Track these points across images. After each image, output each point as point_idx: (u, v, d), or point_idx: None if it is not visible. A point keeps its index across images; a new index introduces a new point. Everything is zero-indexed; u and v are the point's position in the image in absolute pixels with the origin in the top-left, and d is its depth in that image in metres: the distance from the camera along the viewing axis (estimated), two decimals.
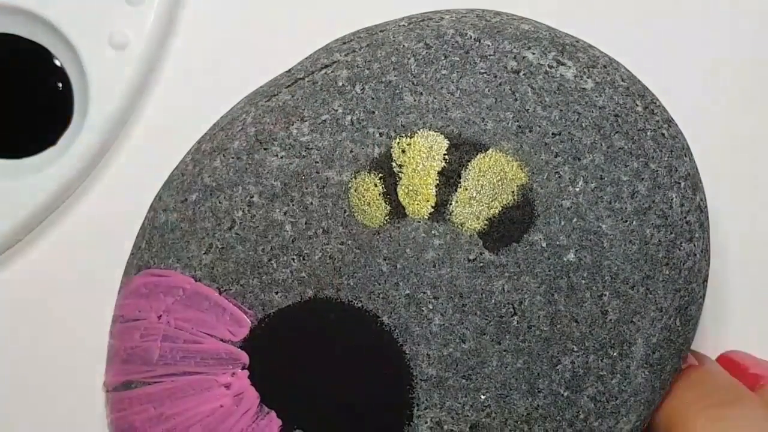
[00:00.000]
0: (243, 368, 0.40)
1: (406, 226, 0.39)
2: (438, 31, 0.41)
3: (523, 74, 0.40)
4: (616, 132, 0.40)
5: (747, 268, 0.46)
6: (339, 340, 0.39)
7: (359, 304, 0.39)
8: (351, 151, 0.40)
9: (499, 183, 0.39)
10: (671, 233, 0.40)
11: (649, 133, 0.40)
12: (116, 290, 0.42)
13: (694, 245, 0.40)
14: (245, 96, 0.43)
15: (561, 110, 0.40)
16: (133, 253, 0.42)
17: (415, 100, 0.40)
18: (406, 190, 0.39)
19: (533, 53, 0.41)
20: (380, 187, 0.40)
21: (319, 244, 0.40)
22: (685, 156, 0.41)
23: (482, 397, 0.39)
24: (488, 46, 0.41)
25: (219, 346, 0.40)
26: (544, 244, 0.39)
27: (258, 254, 0.40)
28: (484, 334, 0.39)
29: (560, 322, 0.39)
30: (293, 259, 0.40)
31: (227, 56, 0.47)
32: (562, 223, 0.39)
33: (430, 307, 0.39)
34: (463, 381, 0.39)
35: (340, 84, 0.41)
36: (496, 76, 0.40)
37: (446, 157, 0.40)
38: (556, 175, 0.39)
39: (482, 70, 0.40)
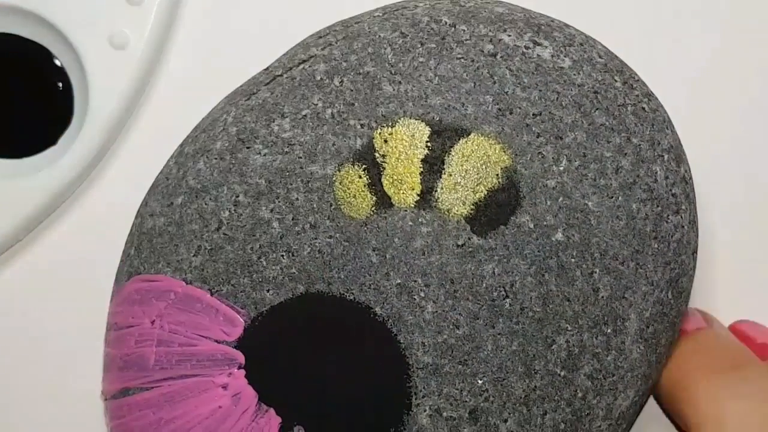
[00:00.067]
0: (239, 368, 0.40)
1: (393, 216, 0.39)
2: (413, 20, 0.41)
3: (501, 57, 0.40)
4: (597, 109, 0.40)
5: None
6: (333, 333, 0.39)
7: (351, 297, 0.39)
8: (333, 145, 0.40)
9: (483, 167, 0.39)
10: (657, 206, 0.40)
11: (629, 108, 0.40)
12: None
13: (681, 217, 0.40)
14: (224, 97, 0.43)
15: (540, 90, 0.40)
16: (123, 260, 0.42)
17: (394, 90, 0.40)
18: (391, 180, 0.40)
19: (509, 35, 0.41)
20: (365, 179, 0.40)
21: (307, 239, 0.40)
22: (667, 129, 0.41)
23: (479, 381, 0.39)
24: (464, 31, 0.41)
25: (214, 347, 0.40)
26: (531, 225, 0.39)
27: (247, 253, 0.40)
28: (478, 319, 0.39)
29: (552, 302, 0.39)
30: (282, 256, 0.40)
31: (227, 56, 0.47)
32: (548, 203, 0.39)
33: (422, 295, 0.39)
34: (460, 367, 0.39)
35: (319, 78, 0.41)
36: (473, 61, 0.40)
37: (428, 144, 0.40)
38: (540, 156, 0.39)
39: (459, 56, 0.40)
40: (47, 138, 0.46)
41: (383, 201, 0.39)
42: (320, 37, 0.42)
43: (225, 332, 0.40)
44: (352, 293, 0.39)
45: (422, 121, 0.40)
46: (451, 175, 0.39)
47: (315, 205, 0.40)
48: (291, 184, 0.40)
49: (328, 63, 0.41)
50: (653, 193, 0.40)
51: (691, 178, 0.41)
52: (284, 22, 0.47)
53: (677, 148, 0.41)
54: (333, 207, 0.40)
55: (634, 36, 0.46)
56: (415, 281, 0.39)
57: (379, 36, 0.41)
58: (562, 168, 0.39)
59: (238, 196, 0.40)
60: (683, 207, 0.40)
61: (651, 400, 0.44)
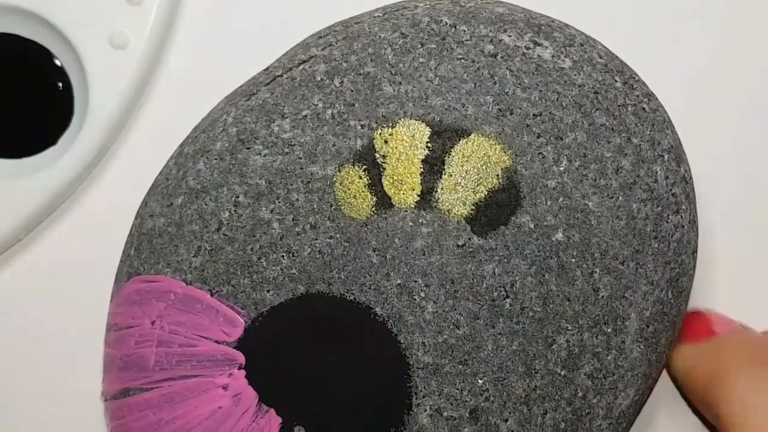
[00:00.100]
0: (239, 368, 0.40)
1: (393, 216, 0.39)
2: (413, 20, 0.41)
3: (501, 57, 0.40)
4: (597, 109, 0.40)
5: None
6: (333, 334, 0.39)
7: (351, 297, 0.39)
8: (333, 145, 0.40)
9: (484, 167, 0.39)
10: (658, 206, 0.40)
11: (629, 108, 0.40)
12: None
13: (682, 217, 0.40)
14: (224, 97, 0.43)
15: (540, 91, 0.40)
16: (123, 261, 0.42)
17: (394, 90, 0.40)
18: (391, 180, 0.40)
19: (509, 36, 0.41)
20: (365, 179, 0.40)
21: (307, 239, 0.40)
22: (667, 129, 0.41)
23: (480, 381, 0.39)
24: (464, 31, 0.41)
25: (214, 348, 0.40)
26: (531, 226, 0.39)
27: (247, 254, 0.40)
28: (478, 319, 0.39)
29: (553, 302, 0.39)
30: (283, 257, 0.40)
31: (227, 56, 0.47)
32: (549, 203, 0.39)
33: (422, 295, 0.39)
34: (460, 367, 0.39)
35: (319, 78, 0.41)
36: (473, 61, 0.40)
37: (429, 144, 0.40)
38: (540, 156, 0.39)
39: (459, 56, 0.40)
40: (47, 138, 0.46)
41: (383, 201, 0.39)
42: (320, 38, 0.42)
43: (225, 333, 0.40)
44: (353, 293, 0.39)
45: (422, 121, 0.40)
46: (451, 175, 0.39)
47: (315, 206, 0.40)
48: (291, 185, 0.40)
49: (329, 63, 0.41)
50: (653, 193, 0.40)
51: (691, 178, 0.41)
52: (284, 22, 0.47)
53: (677, 148, 0.41)
54: (333, 207, 0.40)
55: (634, 36, 0.46)
56: (416, 281, 0.39)
57: (380, 36, 0.41)
58: (562, 168, 0.39)
59: (238, 197, 0.40)
60: (683, 207, 0.40)
61: (651, 399, 0.44)
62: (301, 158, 0.40)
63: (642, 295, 0.40)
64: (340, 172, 0.40)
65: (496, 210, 0.39)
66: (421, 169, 0.39)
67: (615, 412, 0.40)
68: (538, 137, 0.40)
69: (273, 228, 0.40)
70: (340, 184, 0.40)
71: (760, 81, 0.46)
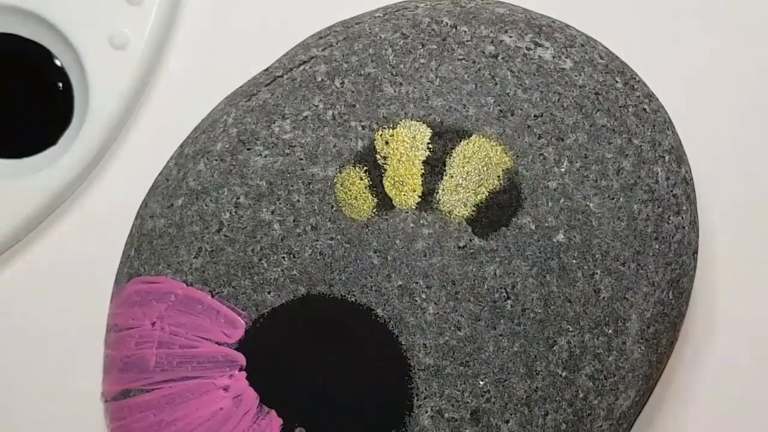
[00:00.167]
0: (240, 369, 0.40)
1: (395, 218, 0.39)
2: (414, 20, 0.41)
3: (502, 58, 0.40)
4: (598, 110, 0.40)
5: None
6: (334, 335, 0.39)
7: (352, 299, 0.39)
8: (334, 146, 0.40)
9: (485, 168, 0.39)
10: (659, 207, 0.40)
11: (630, 109, 0.40)
12: None
13: (682, 218, 0.40)
14: (224, 97, 0.43)
15: (541, 92, 0.40)
16: (123, 262, 0.42)
17: (395, 91, 0.40)
18: (392, 182, 0.39)
19: (510, 36, 0.41)
20: (366, 180, 0.40)
21: (308, 241, 0.40)
22: (668, 129, 0.41)
23: (481, 383, 0.39)
24: (465, 32, 0.41)
25: (215, 349, 0.40)
26: (532, 227, 0.39)
27: (248, 255, 0.40)
28: (479, 320, 0.39)
29: (554, 303, 0.39)
30: (284, 258, 0.40)
31: (227, 56, 0.47)
32: (550, 204, 0.39)
33: (424, 296, 0.39)
34: (461, 368, 0.39)
35: (319, 79, 0.41)
36: (474, 62, 0.40)
37: (430, 145, 0.40)
38: (541, 157, 0.39)
39: (460, 57, 0.40)
40: (47, 138, 0.46)
41: (384, 203, 0.39)
42: (321, 38, 0.42)
43: (226, 334, 0.40)
44: (354, 295, 0.39)
45: (423, 122, 0.40)
46: (452, 176, 0.39)
47: (316, 207, 0.40)
48: (292, 186, 0.40)
49: (329, 64, 0.41)
50: (654, 194, 0.40)
51: (691, 178, 0.41)
52: (284, 22, 0.46)
53: (678, 149, 0.41)
54: (334, 209, 0.40)
55: (634, 36, 0.46)
56: (417, 283, 0.39)
57: (380, 37, 0.41)
58: (563, 169, 0.39)
59: (238, 198, 0.40)
60: (684, 208, 0.40)
61: (652, 400, 0.44)
62: (301, 159, 0.40)
63: (643, 296, 0.40)
64: (341, 173, 0.40)
65: (497, 211, 0.39)
66: (422, 171, 0.39)
67: (616, 413, 0.40)
68: (539, 138, 0.40)
69: (274, 229, 0.40)
70: (341, 185, 0.40)
71: (760, 81, 0.46)
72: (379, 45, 0.41)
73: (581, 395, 0.39)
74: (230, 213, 0.40)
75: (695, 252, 0.41)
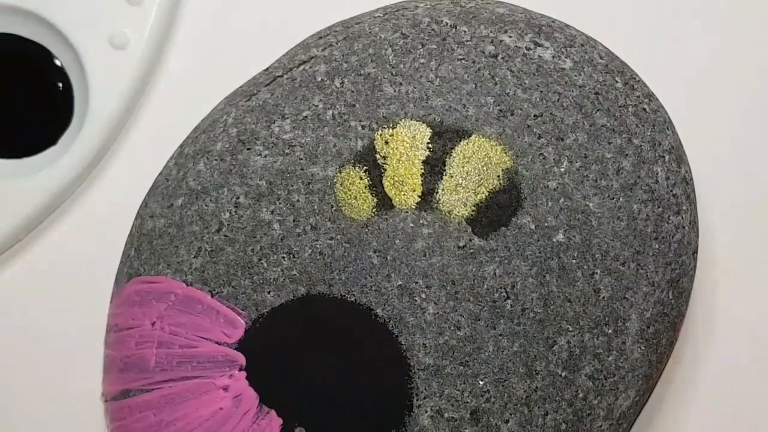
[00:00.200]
0: (240, 369, 0.40)
1: (394, 217, 0.39)
2: (414, 20, 0.41)
3: (502, 58, 0.40)
4: (598, 110, 0.40)
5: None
6: (334, 335, 0.39)
7: (352, 298, 0.39)
8: (334, 146, 0.40)
9: (484, 168, 0.39)
10: (658, 207, 0.40)
11: (630, 109, 0.40)
12: None
13: (682, 218, 0.40)
14: (224, 97, 0.43)
15: (541, 91, 0.40)
16: (123, 262, 0.42)
17: (395, 91, 0.40)
18: (392, 181, 0.40)
19: (510, 36, 0.41)
20: (366, 180, 0.40)
21: (308, 240, 0.40)
22: (668, 129, 0.41)
23: (481, 382, 0.39)
24: (464, 32, 0.41)
25: (215, 349, 0.40)
26: (532, 227, 0.39)
27: (248, 255, 0.40)
28: (479, 320, 0.39)
29: (554, 303, 0.39)
30: (283, 258, 0.40)
31: (227, 56, 0.47)
32: (550, 204, 0.39)
33: (423, 296, 0.39)
34: (461, 368, 0.39)
35: (319, 79, 0.41)
36: (474, 62, 0.40)
37: (430, 145, 0.40)
38: (541, 157, 0.39)
39: (460, 57, 0.40)
40: (47, 138, 0.46)
41: (384, 202, 0.39)
42: (320, 38, 0.42)
43: (226, 334, 0.40)
44: (353, 295, 0.39)
45: (423, 122, 0.40)
46: (452, 176, 0.39)
47: (316, 207, 0.40)
48: (292, 186, 0.40)
49: (329, 64, 0.41)
50: (654, 194, 0.40)
51: (691, 178, 0.41)
52: (284, 22, 0.46)
53: (678, 149, 0.41)
54: (334, 209, 0.40)
55: (634, 36, 0.46)
56: (417, 283, 0.39)
57: (380, 37, 0.41)
58: (563, 169, 0.39)
59: (238, 198, 0.40)
60: (684, 208, 0.40)
61: (652, 400, 0.44)
62: (301, 159, 0.40)
63: (643, 296, 0.40)
64: (340, 173, 0.40)
65: (497, 211, 0.39)
66: (422, 170, 0.39)
67: (616, 413, 0.40)
68: (539, 138, 0.40)
69: (273, 229, 0.40)
70: (341, 185, 0.40)
71: (760, 81, 0.46)
72: (379, 45, 0.41)
73: (581, 395, 0.39)
74: (230, 213, 0.40)
75: (695, 252, 0.41)
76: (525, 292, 0.39)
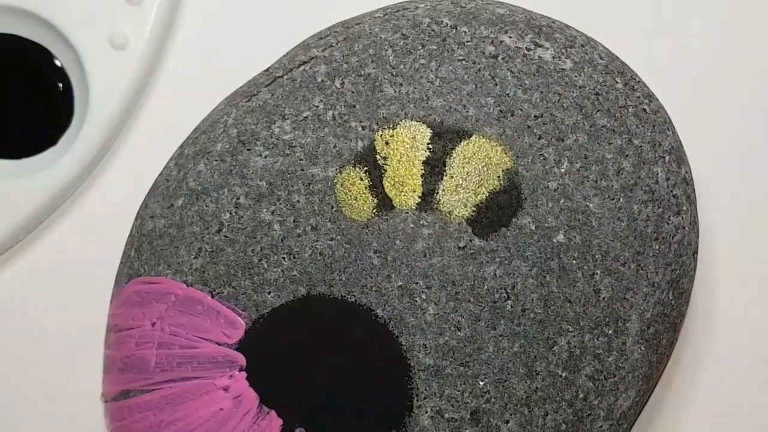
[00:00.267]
0: (240, 370, 0.40)
1: (395, 218, 0.39)
2: (414, 21, 0.41)
3: (502, 58, 0.40)
4: (598, 110, 0.40)
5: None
6: (334, 335, 0.39)
7: (352, 299, 0.39)
8: (334, 147, 0.40)
9: (485, 169, 0.39)
10: (659, 208, 0.40)
11: (630, 110, 0.40)
12: None
13: (682, 218, 0.40)
14: (224, 98, 0.43)
15: (541, 92, 0.40)
16: (123, 262, 0.42)
17: (395, 91, 0.40)
18: (392, 182, 0.40)
19: (510, 37, 0.41)
20: (366, 181, 0.40)
21: (308, 241, 0.40)
22: (668, 130, 0.41)
23: (481, 383, 0.39)
24: (465, 32, 0.41)
25: (215, 350, 0.40)
26: (533, 227, 0.39)
27: (248, 255, 0.40)
28: (479, 321, 0.39)
29: (554, 304, 0.39)
30: (284, 258, 0.40)
31: (227, 56, 0.47)
32: (550, 204, 0.39)
33: (424, 297, 0.39)
34: (461, 368, 0.39)
35: (320, 80, 0.41)
36: (474, 62, 0.40)
37: (430, 146, 0.40)
38: (541, 158, 0.39)
39: (460, 57, 0.40)
40: (47, 138, 0.46)
41: (384, 203, 0.39)
42: (321, 38, 0.42)
43: (226, 334, 0.40)
44: (354, 295, 0.39)
45: (423, 123, 0.40)
46: (452, 177, 0.39)
47: (316, 208, 0.40)
48: (292, 186, 0.40)
49: (329, 64, 0.41)
50: (654, 195, 0.40)
51: (692, 179, 0.41)
52: (284, 22, 0.46)
53: (678, 150, 0.41)
54: (334, 209, 0.40)
55: (634, 36, 0.46)
56: (417, 283, 0.39)
57: (380, 37, 0.41)
58: (563, 170, 0.39)
59: (238, 198, 0.40)
60: (684, 208, 0.40)
61: (652, 401, 0.44)
62: (302, 159, 0.40)
63: (643, 296, 0.40)
64: (341, 173, 0.40)
65: (497, 211, 0.39)
66: (422, 171, 0.39)
67: (616, 414, 0.40)
68: (539, 139, 0.40)
69: (274, 229, 0.40)
70: (341, 185, 0.40)
71: (760, 81, 0.46)
72: (379, 45, 0.41)
73: (581, 395, 0.39)
74: (230, 213, 0.40)
75: (695, 252, 0.41)
76: (525, 293, 0.39)
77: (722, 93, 0.46)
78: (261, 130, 0.41)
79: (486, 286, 0.39)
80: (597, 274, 0.39)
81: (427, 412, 0.39)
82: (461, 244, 0.39)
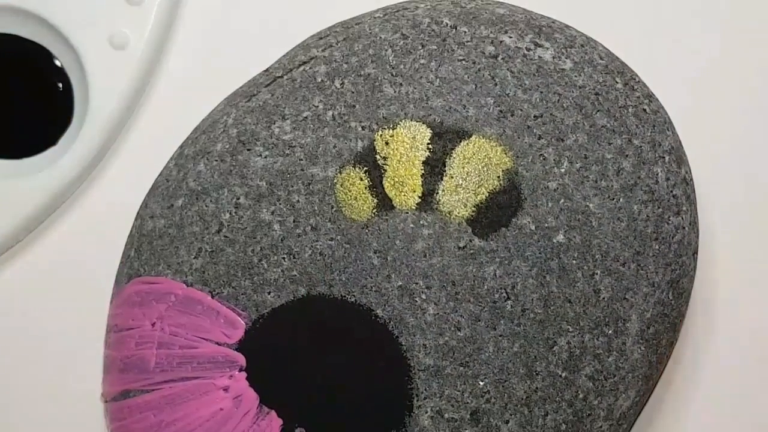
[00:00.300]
0: (240, 370, 0.40)
1: (395, 218, 0.39)
2: (414, 21, 0.41)
3: (502, 58, 0.40)
4: (598, 110, 0.40)
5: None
6: (334, 335, 0.39)
7: (352, 299, 0.39)
8: (334, 147, 0.40)
9: (485, 169, 0.39)
10: (659, 208, 0.40)
11: (630, 110, 0.40)
12: None
13: (682, 218, 0.40)
14: (224, 98, 0.43)
15: (541, 92, 0.40)
16: (123, 262, 0.42)
17: (395, 92, 0.40)
18: (392, 182, 0.40)
19: (510, 37, 0.41)
20: (366, 181, 0.40)
21: (308, 241, 0.40)
22: (668, 130, 0.41)
23: (481, 383, 0.39)
24: (465, 32, 0.41)
25: (215, 350, 0.40)
26: (532, 227, 0.39)
27: (248, 255, 0.40)
28: (479, 321, 0.39)
29: (554, 304, 0.39)
30: (284, 258, 0.40)
31: (227, 56, 0.47)
32: (550, 204, 0.39)
33: (423, 297, 0.39)
34: (461, 369, 0.39)
35: (319, 80, 0.41)
36: (474, 62, 0.40)
37: (430, 146, 0.40)
38: (541, 158, 0.39)
39: (460, 57, 0.40)
40: (47, 138, 0.46)
41: (384, 203, 0.39)
42: (321, 39, 0.42)
43: (226, 335, 0.40)
44: (354, 295, 0.39)
45: (423, 123, 0.40)
46: (452, 177, 0.39)
47: (316, 208, 0.40)
48: (292, 187, 0.40)
49: (329, 64, 0.41)
50: (654, 195, 0.40)
51: (691, 179, 0.41)
52: (284, 22, 0.46)
53: (678, 150, 0.41)
54: (334, 209, 0.40)
55: (634, 36, 0.46)
56: (417, 283, 0.39)
57: (380, 37, 0.41)
58: (563, 170, 0.39)
59: (238, 198, 0.40)
60: (684, 208, 0.40)
61: (652, 401, 0.44)
62: (301, 160, 0.40)
63: (643, 296, 0.40)
64: (341, 173, 0.40)
65: (497, 212, 0.39)
66: (422, 171, 0.39)
67: (616, 414, 0.40)
68: (539, 139, 0.40)
69: (274, 229, 0.40)
70: (341, 185, 0.40)
71: (760, 81, 0.46)
72: (379, 45, 0.41)
73: (581, 396, 0.39)
74: (230, 213, 0.40)
75: (695, 252, 0.41)
76: (525, 293, 0.39)
77: (722, 93, 0.46)
78: (261, 130, 0.41)
79: (486, 286, 0.39)
80: (597, 274, 0.39)
81: (427, 412, 0.39)
82: (461, 244, 0.39)
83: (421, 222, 0.39)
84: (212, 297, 0.40)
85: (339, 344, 0.39)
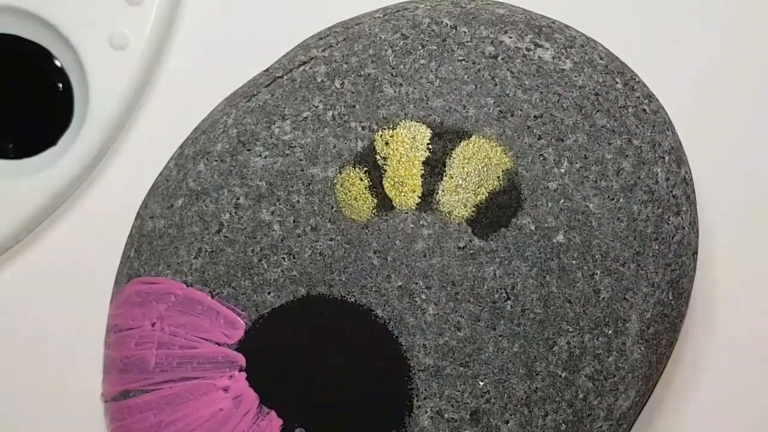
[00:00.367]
0: (240, 370, 0.40)
1: (394, 218, 0.39)
2: (414, 21, 0.41)
3: (502, 59, 0.40)
4: (598, 111, 0.40)
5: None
6: (334, 335, 0.39)
7: (352, 299, 0.39)
8: (334, 147, 0.40)
9: (485, 169, 0.39)
10: (658, 208, 0.40)
11: (630, 110, 0.40)
12: None
13: (682, 218, 0.40)
14: (224, 98, 0.43)
15: (541, 92, 0.40)
16: (123, 262, 0.42)
17: (395, 92, 0.40)
18: (392, 182, 0.40)
19: (510, 37, 0.41)
20: (366, 181, 0.40)
21: (308, 241, 0.40)
22: (668, 130, 0.41)
23: (481, 383, 0.39)
24: (465, 32, 0.41)
25: (215, 350, 0.40)
26: (532, 227, 0.39)
27: (248, 255, 0.40)
28: (479, 321, 0.39)
29: (554, 304, 0.39)
30: (283, 259, 0.40)
31: (227, 56, 0.47)
32: (550, 205, 0.39)
33: (423, 297, 0.39)
34: (461, 369, 0.39)
35: (319, 80, 0.41)
36: (474, 63, 0.40)
37: (430, 146, 0.40)
38: (541, 158, 0.39)
39: (460, 57, 0.40)
40: (47, 138, 0.46)
41: (384, 203, 0.39)
42: (320, 39, 0.42)
43: (226, 335, 0.40)
44: (354, 295, 0.39)
45: (423, 123, 0.40)
46: (452, 177, 0.39)
47: (316, 208, 0.40)
48: (292, 187, 0.40)
49: (329, 65, 0.41)
50: (654, 195, 0.40)
51: (691, 179, 0.41)
52: (284, 22, 0.46)
53: (678, 150, 0.41)
54: (334, 209, 0.40)
55: (634, 37, 0.46)
56: (417, 283, 0.39)
57: (380, 38, 0.41)
58: (563, 170, 0.39)
59: (238, 199, 0.40)
60: (684, 208, 0.40)
61: (652, 401, 0.44)
62: (301, 160, 0.40)
63: (643, 296, 0.40)
64: (340, 173, 0.40)
65: (497, 212, 0.39)
66: (422, 171, 0.39)
67: (616, 414, 0.40)
68: (539, 139, 0.40)
69: (273, 230, 0.40)
70: (341, 185, 0.40)
71: (760, 81, 0.46)
72: (379, 46, 0.41)
73: (581, 396, 0.39)
74: (230, 214, 0.40)
75: (695, 252, 0.41)
76: (525, 293, 0.39)
77: (722, 93, 0.46)
78: (261, 131, 0.41)
79: (486, 287, 0.39)
80: (597, 274, 0.39)
81: (426, 413, 0.39)
82: (461, 245, 0.39)
83: (421, 222, 0.39)
84: (212, 297, 0.40)
85: (339, 344, 0.39)
